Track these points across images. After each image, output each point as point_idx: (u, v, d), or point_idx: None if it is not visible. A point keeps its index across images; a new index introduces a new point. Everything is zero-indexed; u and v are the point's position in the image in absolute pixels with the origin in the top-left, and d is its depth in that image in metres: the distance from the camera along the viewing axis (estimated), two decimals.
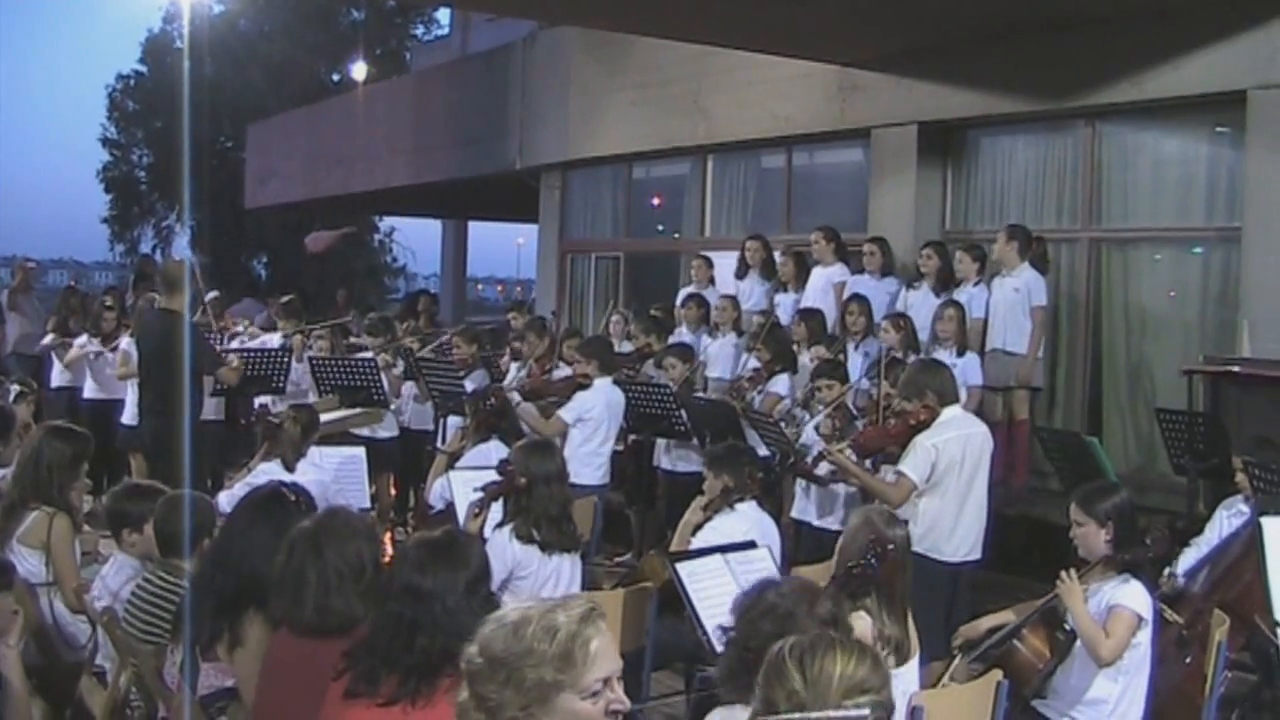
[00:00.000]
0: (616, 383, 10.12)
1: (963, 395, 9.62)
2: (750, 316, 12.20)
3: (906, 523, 5.75)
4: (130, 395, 11.54)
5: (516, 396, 10.03)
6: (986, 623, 6.17)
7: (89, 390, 12.66)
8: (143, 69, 40.99)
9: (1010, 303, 10.80)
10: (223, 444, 11.66)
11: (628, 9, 12.15)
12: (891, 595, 5.20)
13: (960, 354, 10.02)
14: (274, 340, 12.73)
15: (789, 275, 12.60)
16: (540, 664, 3.02)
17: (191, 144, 31.59)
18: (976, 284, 11.07)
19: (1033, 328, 10.75)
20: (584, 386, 9.68)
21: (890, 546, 5.17)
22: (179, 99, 32.56)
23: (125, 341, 11.72)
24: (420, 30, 41.32)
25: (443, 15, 37.51)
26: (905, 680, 5.14)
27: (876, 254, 11.90)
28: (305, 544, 4.36)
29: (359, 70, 32.79)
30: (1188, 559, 7.38)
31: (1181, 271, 11.38)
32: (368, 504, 8.88)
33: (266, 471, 7.86)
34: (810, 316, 11.28)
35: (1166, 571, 7.14)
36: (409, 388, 11.68)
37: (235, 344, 12.52)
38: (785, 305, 12.39)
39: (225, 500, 7.61)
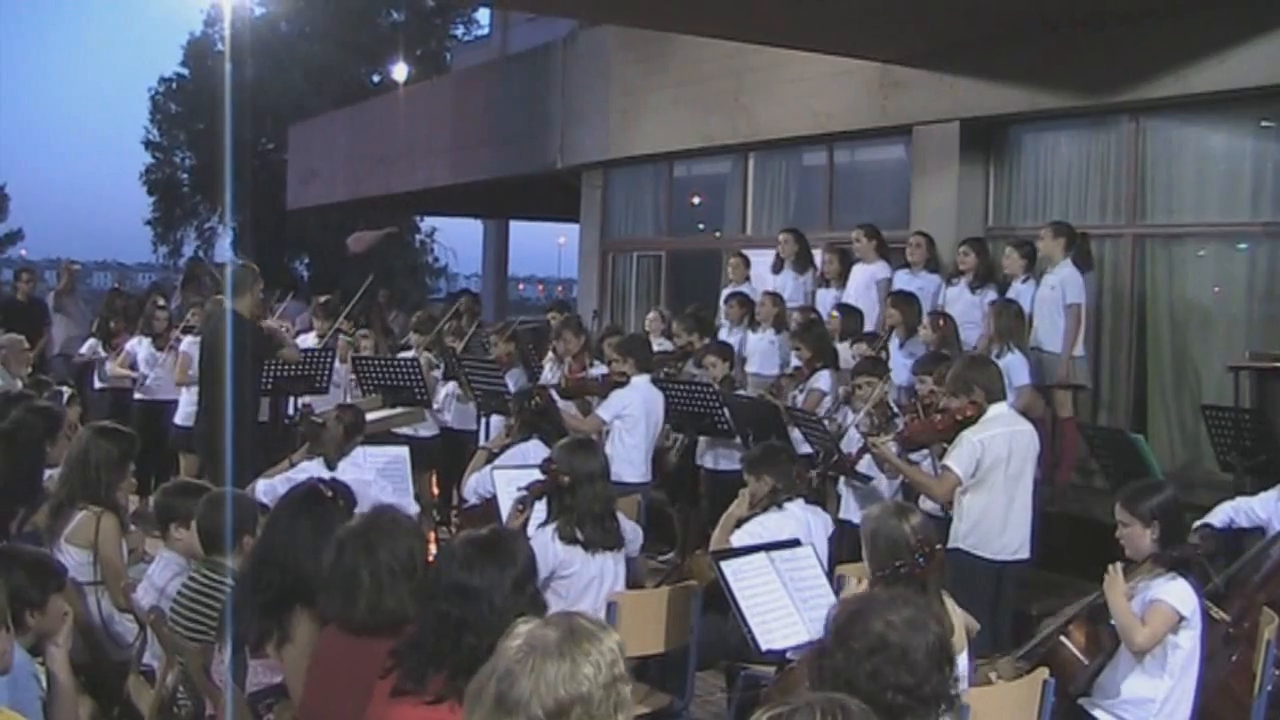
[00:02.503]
0: (656, 382, 10.13)
1: (1010, 395, 9.60)
2: (791, 312, 12.18)
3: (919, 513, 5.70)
4: (185, 396, 11.58)
5: (553, 394, 10.05)
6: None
7: (140, 391, 12.70)
8: (185, 72, 41.35)
9: (1046, 300, 10.74)
10: (266, 444, 11.70)
11: (668, 7, 12.15)
12: (932, 588, 5.19)
13: (1000, 354, 9.89)
14: (309, 339, 12.80)
15: (833, 273, 12.60)
16: (610, 691, 2.99)
17: (233, 146, 31.80)
18: (1025, 280, 11.01)
19: (1066, 325, 10.68)
20: (621, 384, 9.68)
21: (939, 546, 5.16)
22: (220, 101, 32.78)
23: (186, 343, 11.74)
24: (460, 30, 41.50)
25: (482, 15, 37.73)
26: None
27: (921, 246, 11.85)
28: (356, 543, 4.37)
29: (399, 71, 32.91)
30: (1222, 510, 7.35)
31: (1227, 267, 11.31)
32: (414, 504, 8.91)
33: (307, 469, 7.89)
34: (848, 313, 11.28)
35: (1198, 523, 7.13)
36: (450, 387, 11.72)
37: None
38: (826, 301, 12.39)
39: (263, 488, 7.67)
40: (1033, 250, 11.12)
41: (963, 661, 5.25)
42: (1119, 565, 5.73)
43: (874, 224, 12.47)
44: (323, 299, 13.70)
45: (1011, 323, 10.13)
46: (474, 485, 8.36)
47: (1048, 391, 10.69)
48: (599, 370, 10.78)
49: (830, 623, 3.58)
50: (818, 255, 13.03)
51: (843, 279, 12.45)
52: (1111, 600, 5.62)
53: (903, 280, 11.75)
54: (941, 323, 10.26)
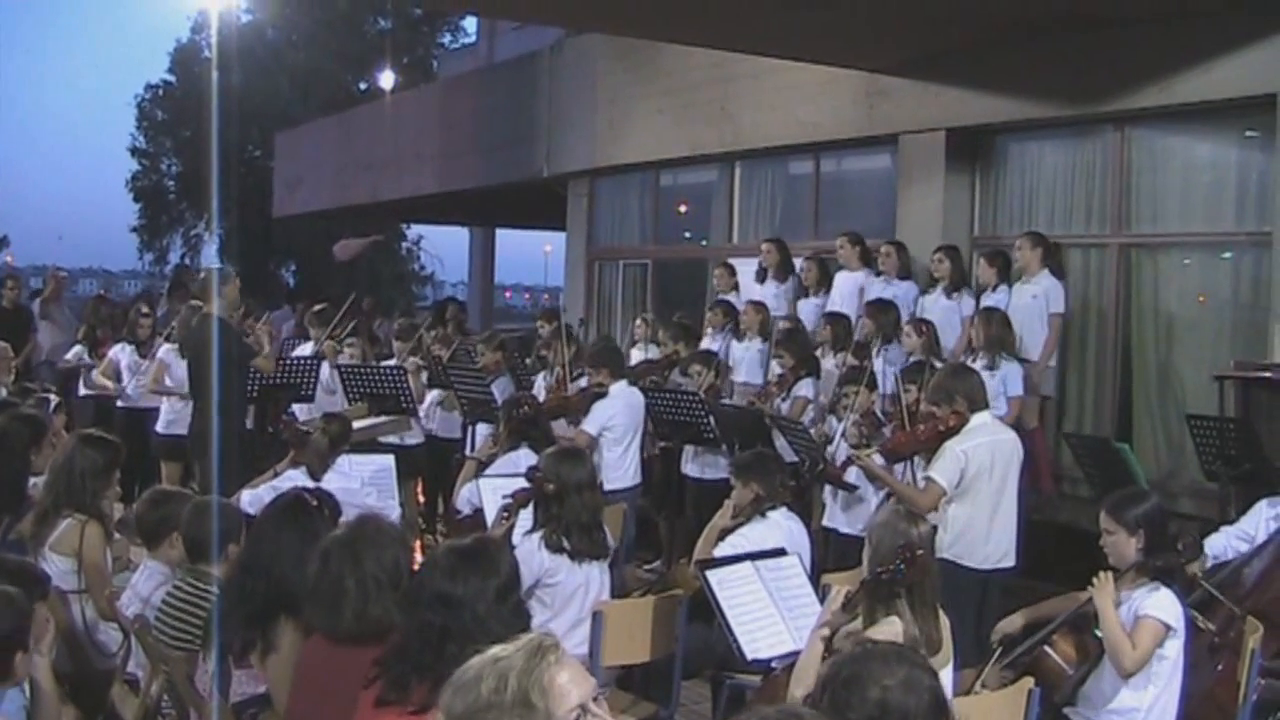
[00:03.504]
0: (639, 387, 10.13)
1: (1003, 407, 9.62)
2: (776, 321, 12.21)
3: (927, 521, 5.71)
4: (166, 404, 11.59)
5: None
6: (1023, 618, 6.18)
7: (123, 398, 12.67)
8: (171, 79, 41.20)
9: (1028, 309, 10.77)
10: (253, 453, 11.67)
11: (654, 16, 12.15)
12: (922, 595, 5.18)
13: (993, 365, 9.91)
14: (305, 348, 12.79)
15: (812, 280, 12.65)
16: (501, 715, 2.92)
17: (220, 153, 31.72)
18: (997, 288, 11.07)
19: (1048, 335, 10.72)
20: (600, 395, 9.67)
21: (920, 551, 5.15)
22: (207, 108, 32.68)
23: (163, 350, 11.75)
24: (447, 38, 41.49)
25: (469, 23, 37.73)
26: None
27: (892, 256, 11.93)
28: (342, 552, 4.37)
29: (386, 78, 32.92)
30: (1216, 541, 7.34)
31: (1211, 276, 11.32)
32: (399, 513, 8.90)
33: (292, 478, 7.89)
34: (835, 320, 11.29)
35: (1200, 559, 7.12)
36: (434, 395, 11.70)
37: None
38: (807, 310, 12.42)
39: (248, 498, 7.66)
40: (1006, 261, 11.19)
41: (948, 672, 5.26)
42: (1109, 574, 5.72)
43: (858, 232, 12.52)
44: (317, 307, 13.68)
45: (1001, 331, 10.15)
46: (466, 496, 8.34)
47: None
48: (584, 382, 10.78)
49: (824, 685, 3.46)
50: (800, 264, 13.06)
51: (822, 287, 12.50)
52: (1103, 614, 5.60)
53: (877, 289, 11.80)
54: (923, 329, 10.29)
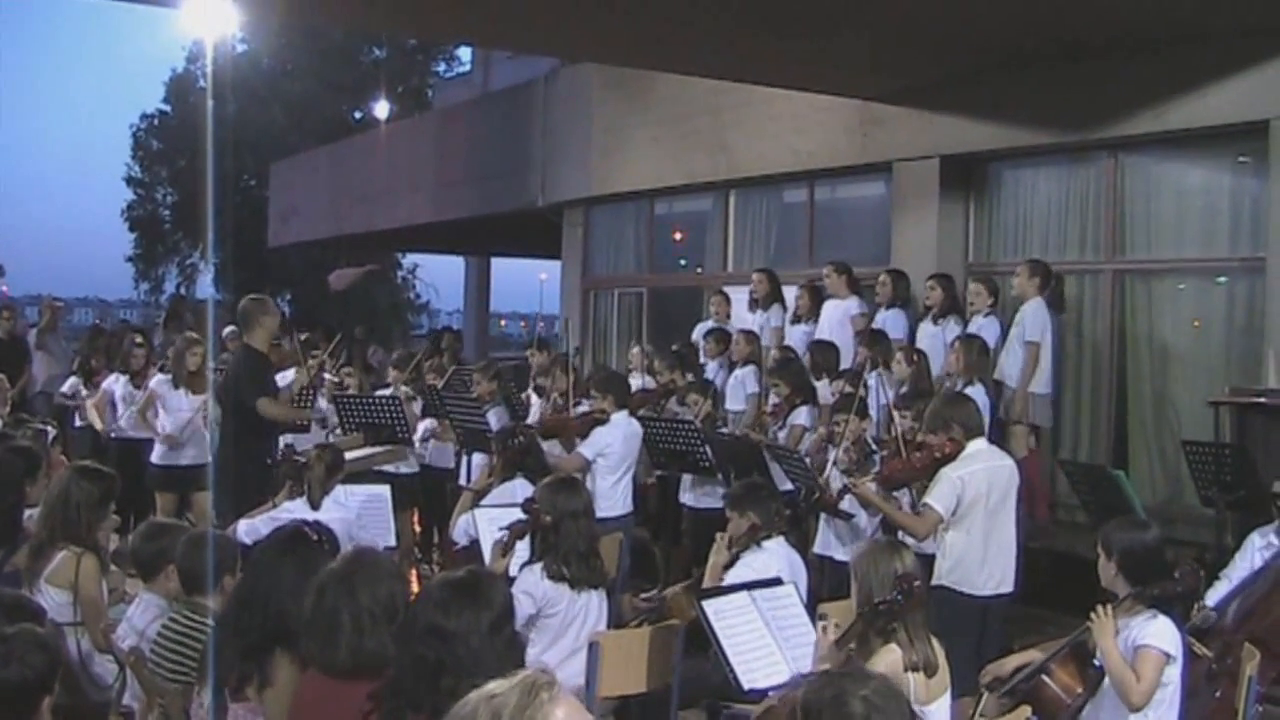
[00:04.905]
0: (638, 418, 10.13)
1: None
2: (768, 350, 12.24)
3: (910, 549, 5.69)
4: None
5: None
6: (1014, 661, 6.14)
7: (116, 430, 12.60)
8: (166, 108, 41.21)
9: (1012, 336, 10.82)
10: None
11: (648, 46, 12.18)
12: (915, 623, 5.18)
13: (963, 388, 9.93)
14: (289, 375, 12.75)
15: (805, 309, 12.68)
16: None
17: (215, 182, 31.72)
18: (987, 315, 11.09)
19: (1024, 362, 10.70)
20: (601, 422, 9.66)
21: (918, 582, 5.15)
22: (202, 138, 32.72)
23: (155, 381, 11.70)
24: (442, 68, 41.49)
25: (464, 53, 37.74)
26: (937, 716, 5.11)
27: (888, 284, 11.95)
28: (337, 586, 4.36)
29: (381, 108, 32.94)
30: (1219, 591, 7.32)
31: (1206, 302, 11.35)
32: (393, 543, 8.87)
33: (291, 509, 7.86)
34: (821, 349, 11.33)
35: (1197, 606, 7.09)
36: (428, 424, 11.68)
37: None
38: (798, 338, 12.44)
39: (244, 529, 7.63)
40: (997, 286, 11.22)
41: (946, 700, 5.25)
42: (1109, 607, 5.70)
43: (846, 260, 12.60)
44: (302, 336, 13.64)
45: (978, 358, 10.18)
46: (463, 527, 8.32)
47: (1005, 427, 10.67)
48: (585, 408, 10.76)
49: (804, 713, 3.45)
50: (792, 292, 13.08)
51: (814, 315, 12.52)
52: (1104, 650, 5.56)
53: (879, 319, 11.81)
54: (915, 357, 10.30)
